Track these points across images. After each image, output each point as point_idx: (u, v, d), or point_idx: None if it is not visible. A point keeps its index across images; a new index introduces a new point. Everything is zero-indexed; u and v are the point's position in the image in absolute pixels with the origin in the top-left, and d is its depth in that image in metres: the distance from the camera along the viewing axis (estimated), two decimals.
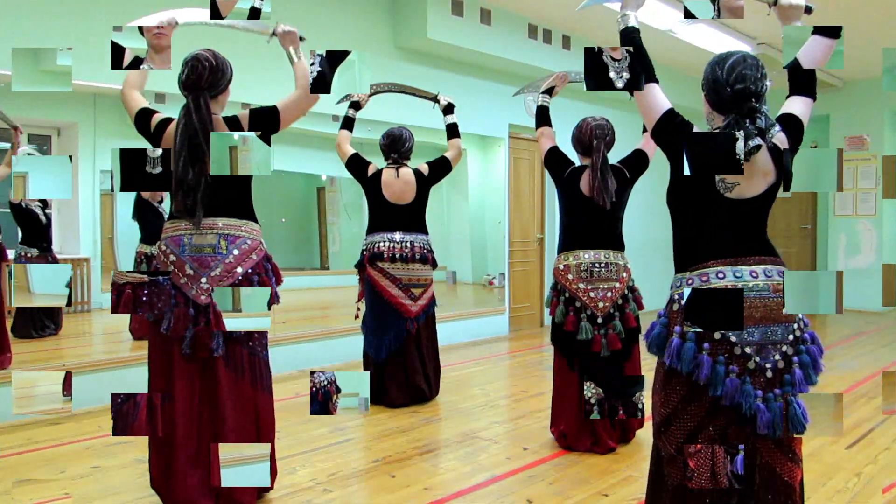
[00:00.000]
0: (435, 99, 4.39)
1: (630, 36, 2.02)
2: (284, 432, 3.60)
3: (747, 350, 1.89)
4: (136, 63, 2.38)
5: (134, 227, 4.82)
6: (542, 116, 3.47)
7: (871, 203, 8.87)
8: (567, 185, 3.32)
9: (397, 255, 4.06)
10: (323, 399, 2.30)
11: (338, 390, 2.31)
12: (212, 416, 2.54)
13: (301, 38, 2.65)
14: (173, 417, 2.49)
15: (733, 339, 1.89)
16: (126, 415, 2.32)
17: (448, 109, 4.33)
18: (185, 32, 2.61)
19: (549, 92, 3.52)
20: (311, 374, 2.33)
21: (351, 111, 4.23)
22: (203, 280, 2.51)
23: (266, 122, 2.61)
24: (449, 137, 4.30)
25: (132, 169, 2.32)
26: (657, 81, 2.00)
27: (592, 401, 2.01)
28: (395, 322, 4.09)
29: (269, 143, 2.58)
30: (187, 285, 2.50)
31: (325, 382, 2.30)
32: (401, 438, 3.55)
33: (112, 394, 2.33)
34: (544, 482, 2.95)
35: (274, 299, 2.66)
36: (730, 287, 1.90)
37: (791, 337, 1.93)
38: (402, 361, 4.15)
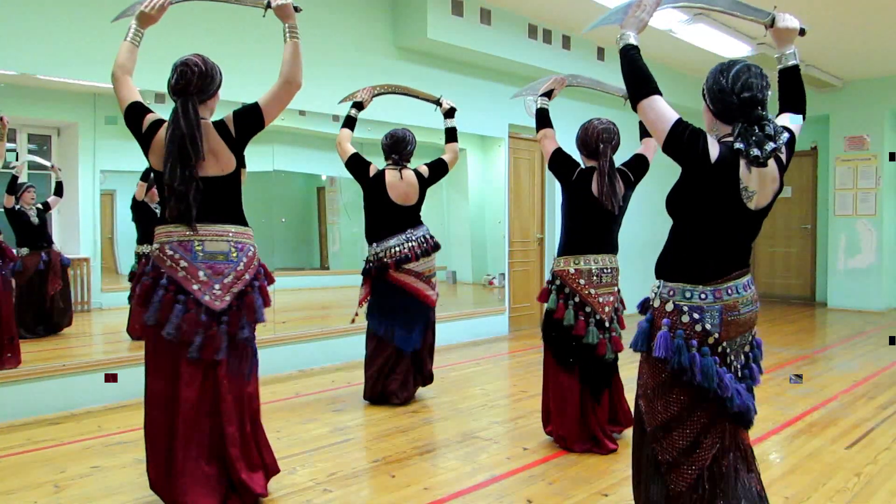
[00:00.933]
0: (438, 102, 4.42)
1: (629, 54, 2.04)
2: (285, 432, 3.60)
3: (732, 357, 2.00)
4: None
5: (134, 227, 4.82)
6: (543, 119, 3.45)
7: (871, 203, 8.87)
8: (576, 187, 3.27)
9: (419, 252, 4.15)
10: None
11: None
12: (213, 413, 2.55)
13: (297, 9, 2.63)
14: (178, 421, 2.48)
15: (728, 349, 1.98)
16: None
17: (450, 113, 4.36)
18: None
19: (548, 95, 3.51)
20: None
21: (353, 111, 4.24)
22: (216, 286, 2.53)
23: (250, 120, 2.61)
24: (447, 141, 4.35)
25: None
26: (660, 93, 2.00)
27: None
28: (424, 313, 4.22)
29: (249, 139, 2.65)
30: (200, 291, 2.51)
31: None
32: (401, 438, 3.55)
33: None
34: (544, 482, 2.95)
35: (268, 302, 2.72)
36: (735, 304, 1.96)
37: (749, 338, 2.06)
38: (425, 349, 4.29)
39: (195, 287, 2.51)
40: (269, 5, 2.63)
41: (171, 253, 2.54)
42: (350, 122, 4.22)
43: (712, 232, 1.97)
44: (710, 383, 1.92)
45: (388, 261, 4.11)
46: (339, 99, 4.46)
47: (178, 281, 2.51)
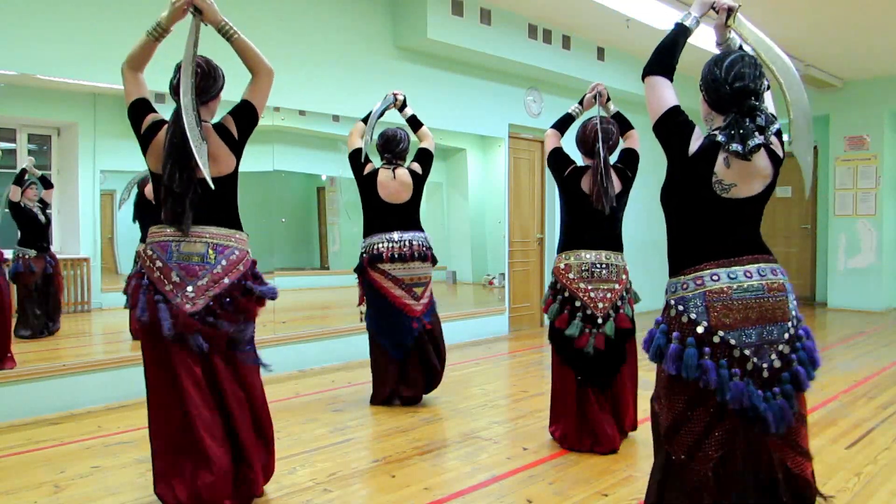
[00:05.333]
0: (401, 106, 4.27)
1: (675, 30, 2.07)
2: (284, 432, 3.60)
3: (746, 352, 1.90)
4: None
5: (134, 228, 4.82)
6: (560, 121, 3.53)
7: (871, 203, 8.86)
8: (568, 184, 3.33)
9: (396, 255, 4.03)
10: None
11: None
12: (220, 407, 2.52)
13: None
14: (185, 411, 2.45)
15: (732, 341, 1.90)
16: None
17: (404, 105, 4.28)
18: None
19: (581, 102, 3.58)
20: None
21: (380, 107, 4.16)
22: (189, 288, 2.48)
23: (247, 117, 2.59)
24: (415, 129, 4.30)
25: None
26: (671, 78, 2.02)
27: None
28: (404, 323, 4.05)
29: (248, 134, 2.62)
30: (172, 292, 2.47)
31: None
32: (401, 438, 3.55)
33: None
34: (544, 482, 2.95)
35: (255, 306, 2.63)
36: (724, 289, 1.91)
37: (786, 336, 1.94)
38: (423, 359, 4.13)
39: (168, 288, 2.47)
40: (197, 11, 2.46)
41: (150, 253, 2.52)
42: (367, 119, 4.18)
43: (688, 221, 1.99)
44: (689, 373, 1.89)
45: (365, 256, 4.09)
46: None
47: (154, 281, 2.49)
